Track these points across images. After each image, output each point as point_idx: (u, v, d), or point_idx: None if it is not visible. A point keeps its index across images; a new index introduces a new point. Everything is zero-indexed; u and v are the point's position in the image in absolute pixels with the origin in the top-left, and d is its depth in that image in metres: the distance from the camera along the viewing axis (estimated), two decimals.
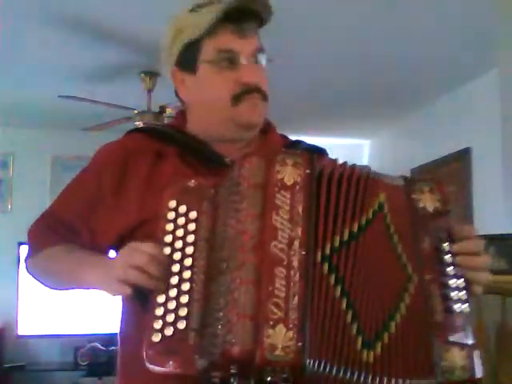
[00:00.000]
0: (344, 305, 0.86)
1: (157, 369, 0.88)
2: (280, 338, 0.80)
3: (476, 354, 0.89)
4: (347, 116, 5.11)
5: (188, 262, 0.91)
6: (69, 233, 1.15)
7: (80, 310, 4.63)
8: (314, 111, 4.95)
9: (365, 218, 0.91)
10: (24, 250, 3.97)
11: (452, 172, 4.45)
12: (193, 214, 0.94)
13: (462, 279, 0.92)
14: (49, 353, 4.91)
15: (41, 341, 4.82)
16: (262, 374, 0.82)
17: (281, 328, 0.80)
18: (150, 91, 3.94)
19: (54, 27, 3.18)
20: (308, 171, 0.90)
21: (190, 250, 0.92)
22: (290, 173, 0.89)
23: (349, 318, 0.85)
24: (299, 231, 0.86)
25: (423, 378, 0.86)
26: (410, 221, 0.93)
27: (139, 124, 3.89)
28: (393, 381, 0.85)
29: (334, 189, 0.91)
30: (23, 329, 4.66)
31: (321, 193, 0.90)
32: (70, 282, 1.16)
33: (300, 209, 0.87)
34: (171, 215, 0.95)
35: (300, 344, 0.80)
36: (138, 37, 3.34)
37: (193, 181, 0.97)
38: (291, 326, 0.81)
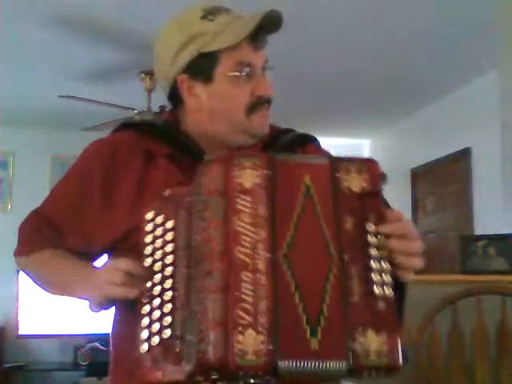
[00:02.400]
0: (297, 298, 0.85)
1: (148, 380, 0.89)
2: (250, 343, 0.80)
3: (398, 341, 0.85)
4: (347, 116, 5.11)
5: (168, 271, 0.92)
6: (56, 236, 1.16)
7: (80, 310, 4.63)
8: (314, 111, 4.95)
9: (299, 206, 0.89)
10: None
11: (452, 172, 4.46)
12: (169, 224, 0.95)
13: (387, 262, 0.88)
14: (49, 353, 4.91)
15: (41, 341, 4.83)
16: (243, 377, 0.83)
17: (250, 333, 0.80)
18: (150, 91, 3.94)
19: (53, 27, 3.18)
20: (266, 172, 0.89)
21: (169, 259, 0.93)
22: (248, 176, 0.88)
23: (300, 310, 0.85)
24: (263, 233, 0.86)
25: (337, 360, 0.83)
26: (331, 200, 0.90)
27: None
28: (328, 364, 0.83)
29: (285, 186, 0.90)
30: (23, 329, 4.66)
31: (277, 193, 0.89)
32: (59, 292, 1.19)
33: (261, 211, 0.87)
34: (149, 227, 0.96)
35: (271, 347, 0.80)
36: (138, 37, 3.35)
37: (168, 190, 0.97)
38: (261, 329, 0.81)
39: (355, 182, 0.91)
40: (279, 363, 0.81)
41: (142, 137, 1.14)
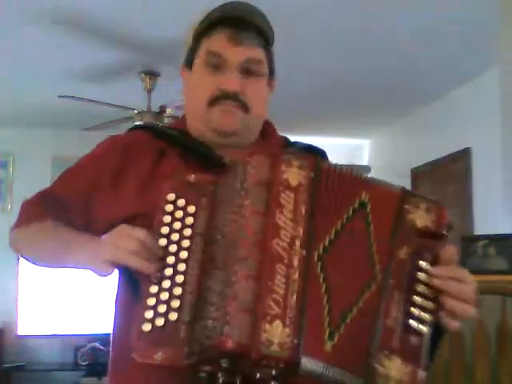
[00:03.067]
0: (325, 301, 0.87)
1: (144, 360, 0.88)
2: (277, 334, 0.81)
3: (421, 376, 0.86)
4: (347, 116, 5.11)
5: (184, 254, 0.92)
6: (61, 210, 1.15)
7: (80, 309, 4.63)
8: (315, 111, 4.95)
9: (345, 215, 0.92)
10: None
11: (452, 172, 4.46)
12: (191, 209, 0.95)
13: (432, 303, 0.90)
14: (49, 353, 4.91)
15: (41, 341, 4.82)
16: (252, 369, 0.83)
17: (278, 324, 0.81)
18: (150, 91, 3.94)
19: (53, 27, 3.18)
20: (312, 174, 0.91)
21: (186, 243, 0.93)
22: (295, 174, 0.90)
23: (325, 312, 0.86)
24: (301, 231, 0.87)
25: (356, 379, 0.85)
26: (391, 225, 0.93)
27: (139, 124, 3.90)
28: (341, 374, 0.84)
29: (329, 192, 0.92)
30: (23, 329, 4.66)
31: (319, 196, 0.91)
32: (55, 258, 1.14)
33: (303, 210, 0.88)
34: (169, 207, 0.95)
35: (296, 341, 0.81)
36: (137, 37, 3.35)
37: (193, 175, 0.97)
38: (288, 322, 0.82)
39: (421, 219, 0.94)
40: (302, 359, 0.81)
41: (155, 137, 1.16)
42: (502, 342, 2.09)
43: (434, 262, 0.91)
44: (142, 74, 3.91)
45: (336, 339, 0.85)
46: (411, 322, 0.88)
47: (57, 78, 3.97)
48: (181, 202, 0.95)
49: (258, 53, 1.13)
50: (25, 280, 4.59)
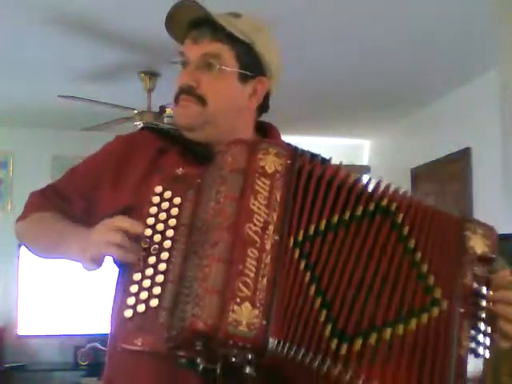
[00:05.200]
0: (312, 291, 0.88)
1: (125, 346, 0.91)
2: (245, 315, 0.82)
3: None
4: (347, 116, 5.11)
5: (167, 244, 0.94)
6: (64, 203, 1.20)
7: (80, 309, 4.63)
8: (314, 111, 4.95)
9: (348, 213, 0.93)
10: (24, 250, 3.96)
11: (452, 172, 4.45)
12: (177, 200, 0.98)
13: (491, 326, 0.92)
14: (49, 353, 4.91)
15: (41, 341, 4.82)
16: (225, 352, 0.84)
17: (247, 305, 0.83)
18: (150, 91, 3.94)
19: (53, 27, 3.18)
20: (289, 162, 0.93)
21: (170, 233, 0.95)
22: (271, 161, 0.92)
23: (317, 304, 0.87)
24: (275, 216, 0.89)
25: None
26: (453, 253, 0.95)
27: (139, 124, 3.89)
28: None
29: (313, 182, 0.93)
30: (23, 329, 4.65)
31: (299, 184, 0.92)
32: (50, 248, 1.18)
33: (278, 196, 0.90)
34: (156, 199, 0.99)
35: (264, 322, 0.82)
36: (137, 37, 3.35)
37: (181, 169, 1.00)
38: (257, 304, 0.83)
39: (478, 245, 0.99)
40: (270, 339, 0.83)
41: (157, 137, 1.19)
42: None
43: (489, 286, 0.95)
44: (142, 74, 3.91)
45: (357, 344, 0.86)
46: (480, 349, 0.91)
47: (57, 78, 3.97)
48: (167, 194, 0.98)
49: (216, 48, 1.14)
50: (25, 280, 4.59)
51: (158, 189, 0.99)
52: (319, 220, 0.91)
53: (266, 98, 1.23)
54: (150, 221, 0.97)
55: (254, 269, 0.85)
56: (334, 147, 5.99)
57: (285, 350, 0.84)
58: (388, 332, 0.88)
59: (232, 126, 1.18)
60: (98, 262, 1.00)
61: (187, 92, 1.14)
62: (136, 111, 3.99)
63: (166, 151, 1.16)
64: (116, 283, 1.13)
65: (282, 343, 0.84)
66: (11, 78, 4.05)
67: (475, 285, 0.94)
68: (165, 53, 3.59)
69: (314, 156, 1.02)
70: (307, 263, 0.89)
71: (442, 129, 4.59)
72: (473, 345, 0.91)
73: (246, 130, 1.21)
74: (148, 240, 0.95)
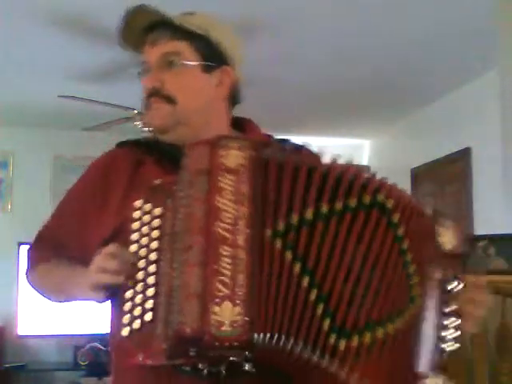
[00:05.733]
0: (306, 283, 0.86)
1: (128, 362, 0.91)
2: (227, 315, 0.82)
3: None
4: (347, 116, 5.11)
5: (153, 256, 0.94)
6: (60, 249, 1.20)
7: (80, 309, 4.63)
8: (314, 111, 4.95)
9: (341, 204, 0.91)
10: (24, 249, 3.96)
11: (452, 172, 4.45)
12: (157, 211, 0.97)
13: (456, 321, 0.93)
14: (49, 353, 4.91)
15: (41, 341, 4.82)
16: (218, 353, 0.84)
17: (227, 305, 0.82)
18: None
19: (53, 27, 3.18)
20: (253, 153, 0.91)
21: (154, 245, 0.95)
22: (234, 156, 0.91)
23: (313, 296, 0.86)
24: (244, 211, 0.88)
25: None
26: (428, 245, 0.95)
27: (139, 124, 3.90)
28: (362, 381, 0.85)
29: (288, 172, 0.92)
30: (23, 329, 4.65)
31: (268, 175, 0.91)
32: (64, 297, 1.21)
33: (245, 190, 0.89)
34: (137, 214, 0.98)
35: (247, 318, 0.82)
36: None
37: (157, 180, 1.00)
38: (238, 301, 0.82)
39: (447, 240, 0.97)
40: (255, 335, 0.82)
41: (132, 151, 1.19)
42: (502, 342, 2.09)
43: (457, 281, 0.96)
44: None
45: (355, 340, 0.86)
46: (444, 345, 0.91)
47: (57, 78, 3.97)
48: (147, 207, 0.98)
49: (175, 45, 1.15)
50: (25, 280, 4.58)
51: (138, 203, 0.99)
52: (303, 209, 0.89)
53: (236, 88, 1.23)
54: (134, 236, 0.97)
55: (229, 266, 0.84)
56: (333, 147, 6.00)
57: (279, 344, 0.84)
58: (381, 331, 0.87)
59: (205, 120, 1.18)
60: (99, 293, 1.01)
61: (155, 94, 1.15)
62: (136, 111, 3.99)
63: (143, 163, 1.15)
64: (110, 303, 1.14)
65: (273, 336, 0.84)
66: (11, 78, 4.05)
67: (443, 282, 0.94)
68: None
69: (285, 146, 1.04)
70: (294, 254, 0.87)
71: (441, 129, 4.59)
72: (443, 332, 0.91)
73: (220, 124, 1.20)
74: (135, 256, 0.95)
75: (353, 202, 0.91)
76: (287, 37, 3.42)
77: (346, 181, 0.93)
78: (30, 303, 4.60)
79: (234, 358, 0.85)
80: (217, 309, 0.82)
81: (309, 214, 0.89)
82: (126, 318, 0.92)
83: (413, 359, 0.89)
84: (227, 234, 0.86)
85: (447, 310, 0.92)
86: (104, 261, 0.97)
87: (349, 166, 0.96)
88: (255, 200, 0.88)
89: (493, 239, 2.56)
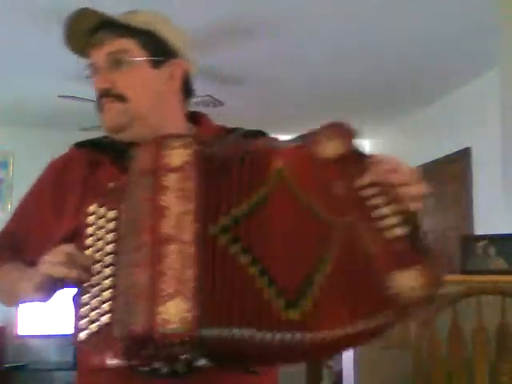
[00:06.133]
0: (255, 271, 0.87)
1: (91, 364, 0.94)
2: (174, 312, 0.82)
3: (435, 274, 0.89)
4: (347, 116, 5.09)
5: (108, 259, 0.95)
6: (17, 252, 1.20)
7: None
8: (314, 111, 4.95)
9: (265, 187, 0.92)
10: None
11: (452, 172, 4.46)
12: (111, 214, 0.98)
13: (390, 205, 0.90)
14: (49, 352, 4.91)
15: (41, 340, 4.83)
16: (171, 351, 0.84)
17: (175, 302, 0.83)
18: None
19: (54, 27, 3.18)
20: (196, 150, 0.93)
21: (109, 248, 0.96)
22: (178, 154, 0.92)
23: (260, 282, 0.87)
24: (189, 207, 0.88)
25: (381, 311, 0.86)
26: (314, 174, 0.94)
27: None
28: (330, 332, 0.85)
29: (225, 165, 0.93)
30: (23, 329, 4.66)
31: (210, 171, 0.92)
32: (12, 298, 1.19)
33: (189, 186, 0.90)
34: (91, 219, 0.99)
35: (195, 314, 0.82)
36: None
37: (111, 183, 1.00)
38: (185, 298, 0.83)
39: (331, 150, 0.95)
40: (205, 330, 0.83)
41: (88, 151, 1.19)
42: (502, 342, 2.09)
43: (364, 172, 0.93)
44: None
45: (305, 305, 0.86)
46: (388, 233, 0.89)
47: (57, 77, 3.97)
48: (102, 211, 0.99)
49: (120, 43, 1.15)
50: None
51: (92, 208, 0.99)
52: (240, 201, 0.91)
53: (188, 81, 1.23)
54: (89, 241, 0.97)
55: (176, 264, 0.85)
56: None
57: (231, 335, 0.84)
58: (318, 277, 0.88)
59: (159, 116, 1.17)
60: (43, 289, 1.00)
61: (106, 95, 1.14)
62: None
63: (99, 164, 1.15)
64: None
65: (224, 328, 0.84)
66: (11, 78, 4.05)
67: (351, 184, 0.92)
68: None
69: (236, 136, 1.05)
70: (239, 246, 0.88)
71: (442, 129, 4.59)
72: (389, 232, 0.89)
73: (176, 119, 1.20)
74: (91, 260, 0.96)
75: (266, 181, 0.92)
76: (287, 37, 3.42)
77: (260, 161, 0.94)
78: (30, 303, 4.60)
79: (188, 355, 0.86)
80: (164, 307, 0.83)
81: (244, 205, 0.91)
82: (84, 322, 0.93)
83: (368, 272, 0.88)
84: (173, 232, 0.87)
85: (375, 203, 0.91)
86: (53, 255, 0.97)
87: (261, 145, 0.98)
88: (200, 196, 0.89)
89: (493, 239, 2.56)
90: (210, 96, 3.85)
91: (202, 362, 0.89)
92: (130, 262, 0.88)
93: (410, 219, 0.91)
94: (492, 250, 2.53)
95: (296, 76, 4.10)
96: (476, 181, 4.14)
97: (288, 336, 0.85)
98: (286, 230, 0.91)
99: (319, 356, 0.95)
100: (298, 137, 1.00)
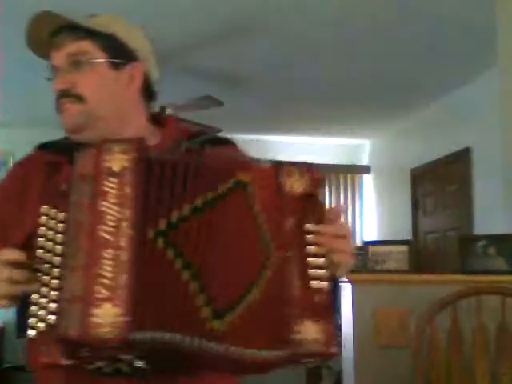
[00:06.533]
0: (186, 276, 0.90)
1: (33, 363, 0.97)
2: (107, 316, 0.84)
3: (333, 328, 0.92)
4: (347, 116, 5.11)
5: (57, 260, 0.96)
6: None
7: None
8: (314, 111, 4.95)
9: (215, 194, 0.95)
10: None
11: (452, 172, 4.46)
12: (61, 216, 0.99)
13: (324, 259, 0.96)
14: None
15: None
16: (107, 353, 0.87)
17: (108, 307, 0.84)
18: None
19: None
20: (135, 155, 0.93)
21: (58, 249, 0.97)
22: (118, 159, 0.93)
23: (193, 288, 0.89)
24: (127, 213, 0.90)
25: (275, 349, 0.90)
26: (275, 200, 0.97)
27: None
28: (243, 349, 0.89)
29: (168, 171, 0.94)
30: (23, 329, 4.65)
31: (151, 175, 0.93)
32: None
33: (128, 192, 0.91)
34: (43, 220, 1.00)
35: (127, 318, 0.84)
36: None
37: (64, 185, 1.01)
38: (118, 302, 0.85)
39: (296, 186, 0.98)
40: (135, 334, 0.84)
41: (49, 153, 1.20)
42: (502, 342, 2.09)
43: (317, 220, 0.97)
44: None
45: (230, 318, 0.90)
46: (313, 283, 0.94)
47: None
48: (53, 212, 0.99)
49: (80, 45, 1.17)
50: None
51: (44, 209, 1.00)
52: (181, 206, 0.92)
53: (149, 83, 1.24)
54: (41, 242, 0.98)
55: (111, 269, 0.86)
56: (334, 147, 5.99)
57: (163, 338, 0.86)
58: (250, 298, 0.92)
59: (119, 117, 1.18)
60: (4, 302, 1.03)
61: (65, 96, 1.16)
62: None
63: (58, 165, 1.14)
64: None
65: (155, 332, 0.86)
66: (11, 78, 4.05)
67: (301, 224, 0.97)
68: (165, 53, 3.60)
69: (197, 140, 1.07)
70: (175, 251, 0.90)
71: (442, 129, 4.59)
72: (305, 280, 0.94)
73: (137, 120, 1.21)
74: (40, 261, 0.97)
75: (221, 189, 0.95)
76: (287, 37, 3.42)
77: (216, 169, 0.97)
78: None
79: (126, 357, 0.88)
80: (97, 311, 0.84)
81: (186, 209, 0.92)
82: (33, 320, 0.95)
83: (285, 310, 0.92)
84: (110, 237, 0.88)
85: (310, 249, 0.96)
86: (3, 271, 0.98)
87: (219, 154, 1.01)
88: (138, 201, 0.91)
89: (493, 239, 2.56)
90: (210, 96, 3.85)
91: (138, 364, 0.91)
92: (70, 265, 0.91)
93: (334, 279, 0.98)
94: (492, 250, 2.53)
95: (296, 76, 4.10)
96: (476, 181, 4.14)
97: (206, 344, 0.88)
98: (230, 241, 0.94)
99: (236, 370, 1.01)
100: (273, 161, 1.03)
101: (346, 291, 2.49)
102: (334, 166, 5.79)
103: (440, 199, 4.66)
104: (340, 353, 0.95)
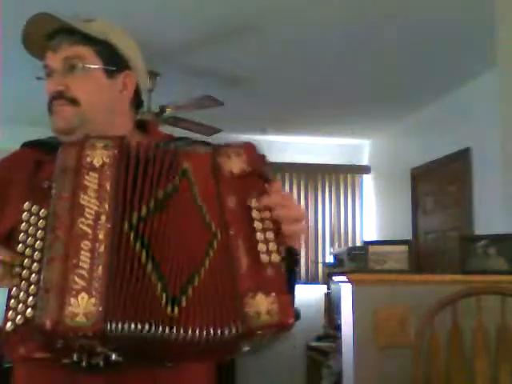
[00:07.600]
0: (149, 267, 0.93)
1: (12, 356, 0.98)
2: (82, 306, 0.87)
3: (288, 301, 0.93)
4: (347, 116, 5.11)
5: (37, 255, 0.98)
6: None
7: None
8: (314, 111, 4.96)
9: (170, 186, 0.98)
10: None
11: (452, 172, 4.46)
12: (43, 212, 1.01)
13: (271, 232, 0.97)
14: None
15: None
16: (79, 344, 0.88)
17: (83, 296, 0.87)
18: (150, 91, 3.94)
19: None
20: (116, 151, 0.98)
21: (39, 245, 0.99)
22: (99, 155, 0.98)
23: (154, 278, 0.93)
24: (106, 206, 0.94)
25: (229, 325, 0.92)
26: (214, 183, 1.00)
27: None
28: (198, 331, 0.91)
29: (141, 166, 0.98)
30: None
31: (128, 171, 0.97)
32: None
33: (108, 186, 0.95)
34: (25, 216, 1.02)
35: (101, 309, 0.87)
36: (137, 37, 3.34)
37: (46, 182, 1.03)
38: (94, 293, 0.88)
39: (235, 165, 1.01)
40: (109, 324, 0.87)
41: (34, 151, 1.24)
42: (502, 342, 2.09)
43: (260, 195, 0.99)
44: None
45: (183, 302, 0.92)
46: (262, 257, 0.95)
47: None
48: (35, 208, 1.02)
49: (76, 50, 1.20)
50: None
51: (26, 205, 1.03)
52: (149, 200, 0.96)
53: (138, 92, 1.27)
54: (21, 237, 1.01)
55: (88, 260, 0.90)
56: (334, 147, 6.00)
57: (134, 330, 0.88)
58: (196, 279, 0.94)
59: (110, 123, 1.21)
60: None
61: (58, 97, 1.20)
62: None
63: (44, 163, 1.17)
64: None
65: (126, 324, 0.88)
66: (12, 77, 4.05)
67: (243, 202, 0.99)
68: (165, 53, 3.60)
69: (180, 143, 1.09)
70: (142, 243, 0.94)
71: (442, 129, 4.59)
72: (254, 255, 0.95)
73: (125, 127, 1.24)
74: (21, 256, 0.99)
75: (177, 181, 0.99)
76: (287, 36, 3.42)
77: (168, 163, 1.00)
78: None
79: (101, 349, 0.90)
80: (73, 301, 0.87)
81: (151, 203, 0.97)
82: (12, 314, 0.96)
83: (236, 286, 0.94)
84: (89, 230, 0.92)
85: (257, 225, 0.97)
86: None
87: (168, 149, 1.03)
88: (117, 196, 0.95)
89: (493, 239, 2.56)
90: (210, 96, 3.85)
91: (114, 356, 0.93)
92: (48, 257, 0.93)
93: (286, 251, 0.99)
94: (492, 250, 2.53)
95: (296, 76, 4.10)
96: (476, 181, 4.14)
97: (164, 332, 0.90)
98: (181, 228, 0.97)
99: (199, 356, 1.02)
100: (211, 145, 1.06)
101: (346, 291, 2.49)
102: (333, 166, 5.80)
103: (440, 199, 4.66)
104: (294, 321, 0.96)
